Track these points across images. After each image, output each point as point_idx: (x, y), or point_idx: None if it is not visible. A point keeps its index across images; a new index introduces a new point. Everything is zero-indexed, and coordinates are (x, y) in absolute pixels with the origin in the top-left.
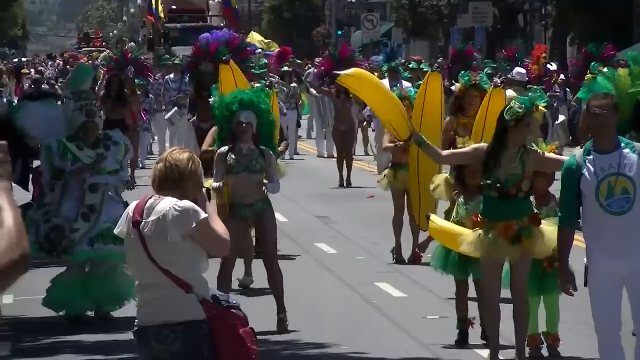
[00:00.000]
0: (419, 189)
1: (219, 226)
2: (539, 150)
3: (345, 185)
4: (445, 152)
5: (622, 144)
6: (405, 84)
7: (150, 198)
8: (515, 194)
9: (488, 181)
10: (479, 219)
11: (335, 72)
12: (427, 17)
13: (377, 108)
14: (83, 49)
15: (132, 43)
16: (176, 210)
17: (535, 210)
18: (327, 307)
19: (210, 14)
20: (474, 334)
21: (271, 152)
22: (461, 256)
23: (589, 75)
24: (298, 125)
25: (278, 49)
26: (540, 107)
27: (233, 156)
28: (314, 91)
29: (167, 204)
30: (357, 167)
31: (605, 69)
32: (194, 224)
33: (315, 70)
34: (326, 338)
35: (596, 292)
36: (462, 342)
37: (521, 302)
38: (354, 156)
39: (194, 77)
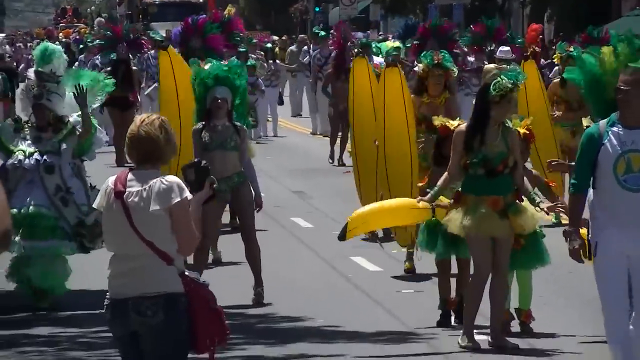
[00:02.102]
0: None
1: (196, 225)
2: (515, 133)
3: (338, 164)
4: (447, 175)
5: None
6: (377, 59)
7: (131, 170)
8: (502, 170)
9: (475, 159)
10: (461, 197)
11: (339, 236)
12: None
13: (398, 223)
14: (60, 24)
15: (100, 18)
16: (163, 183)
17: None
18: (302, 281)
19: None
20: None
21: (245, 128)
22: (448, 235)
23: (557, 55)
24: (280, 103)
25: None
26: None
27: (208, 133)
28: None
29: (154, 176)
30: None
31: (572, 48)
32: (178, 199)
33: (312, 52)
34: (301, 312)
35: (604, 264)
36: (444, 323)
37: (501, 279)
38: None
39: (184, 53)
